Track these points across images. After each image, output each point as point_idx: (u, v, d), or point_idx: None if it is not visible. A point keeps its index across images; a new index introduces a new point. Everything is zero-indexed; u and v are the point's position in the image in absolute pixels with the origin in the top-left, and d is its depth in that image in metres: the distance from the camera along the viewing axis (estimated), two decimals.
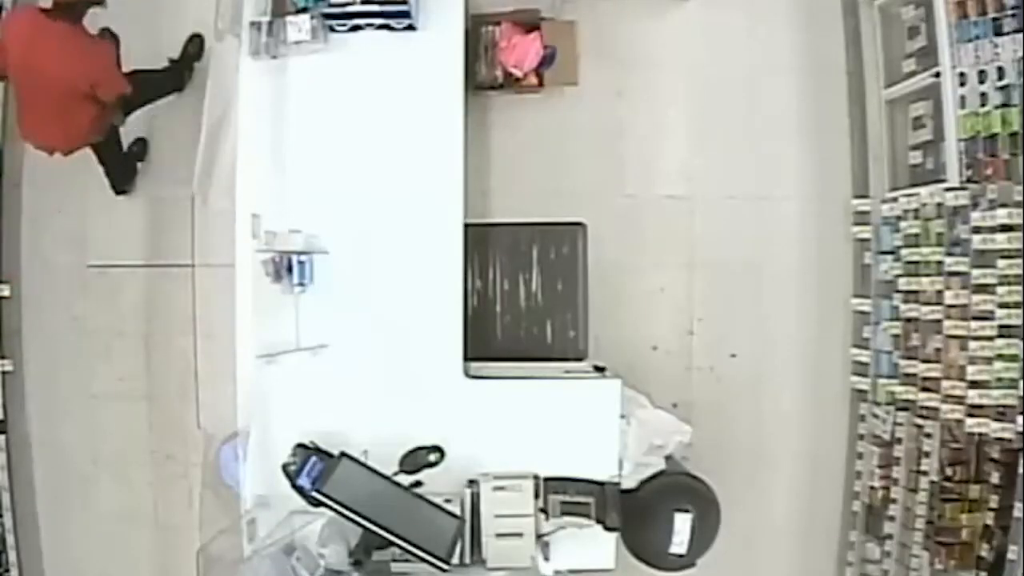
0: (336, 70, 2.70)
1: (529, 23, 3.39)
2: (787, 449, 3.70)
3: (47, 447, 3.65)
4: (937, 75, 3.11)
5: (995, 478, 2.99)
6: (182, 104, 3.56)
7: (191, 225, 3.60)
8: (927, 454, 3.19)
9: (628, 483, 2.71)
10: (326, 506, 2.32)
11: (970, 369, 2.96)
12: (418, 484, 2.57)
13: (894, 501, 3.34)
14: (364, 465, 2.44)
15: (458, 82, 2.73)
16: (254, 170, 2.69)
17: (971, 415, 2.95)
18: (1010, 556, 2.84)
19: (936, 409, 3.08)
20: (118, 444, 3.64)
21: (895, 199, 3.38)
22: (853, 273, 3.65)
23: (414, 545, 2.31)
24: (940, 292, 3.08)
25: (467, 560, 2.60)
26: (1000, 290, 2.88)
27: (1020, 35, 2.89)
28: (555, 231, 3.12)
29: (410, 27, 2.68)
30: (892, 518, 3.34)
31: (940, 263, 3.10)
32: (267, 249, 2.62)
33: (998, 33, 2.95)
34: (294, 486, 2.40)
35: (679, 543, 2.66)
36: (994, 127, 2.97)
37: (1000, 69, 2.95)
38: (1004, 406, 2.89)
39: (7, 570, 3.48)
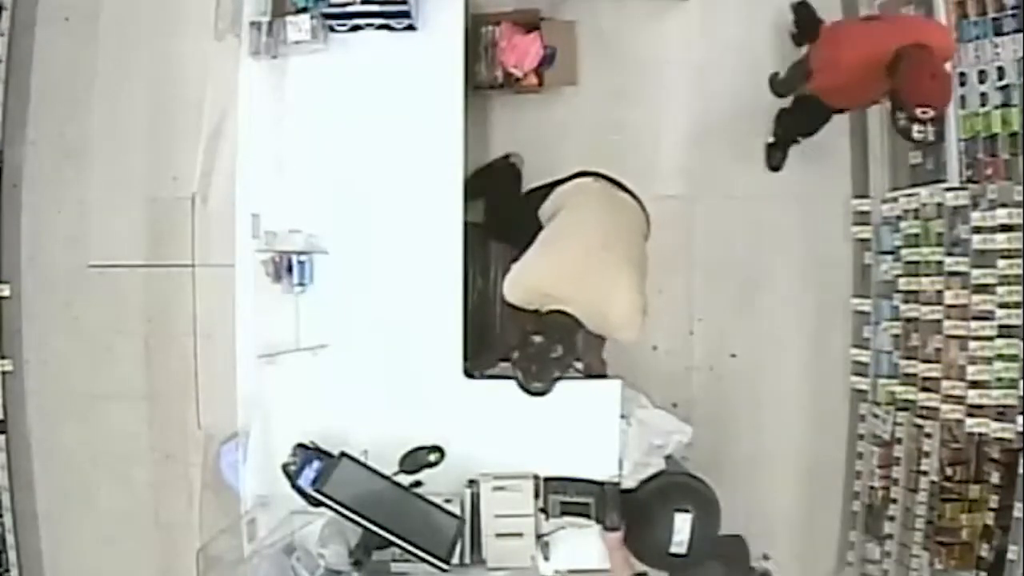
0: (336, 70, 2.70)
1: (529, 23, 3.39)
2: (787, 449, 3.69)
3: (47, 447, 3.64)
4: None
5: (995, 478, 2.99)
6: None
7: (191, 225, 3.60)
8: (927, 454, 3.19)
9: (628, 483, 2.71)
10: (326, 506, 2.32)
11: (970, 369, 2.96)
12: (418, 484, 2.56)
13: (894, 501, 3.34)
14: (364, 465, 2.44)
15: (458, 82, 2.73)
16: (254, 170, 2.69)
17: (971, 415, 2.96)
18: (1010, 556, 2.85)
19: (936, 409, 3.08)
20: (118, 444, 3.64)
21: (895, 199, 3.39)
22: (853, 273, 3.65)
23: (414, 545, 2.31)
24: (940, 292, 3.09)
25: (467, 560, 2.60)
26: (1000, 290, 2.88)
27: (1020, 35, 2.89)
28: None
29: (410, 27, 2.68)
30: (892, 518, 3.35)
31: (940, 263, 3.10)
32: (267, 249, 2.63)
33: (998, 33, 2.95)
34: (294, 486, 2.40)
35: (679, 543, 2.66)
36: (994, 127, 2.97)
37: (1000, 69, 2.95)
38: (1004, 406, 2.90)
39: (7, 570, 3.48)
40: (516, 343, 2.37)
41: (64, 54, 3.62)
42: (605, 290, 2.40)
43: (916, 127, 2.57)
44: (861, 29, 3.03)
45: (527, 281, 2.46)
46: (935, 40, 2.69)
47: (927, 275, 3.16)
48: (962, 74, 3.03)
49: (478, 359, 2.83)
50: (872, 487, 3.45)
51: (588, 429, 2.69)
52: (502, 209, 3.21)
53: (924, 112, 2.55)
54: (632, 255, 2.51)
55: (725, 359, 3.71)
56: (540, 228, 2.60)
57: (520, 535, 2.60)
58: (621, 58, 3.66)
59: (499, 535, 2.59)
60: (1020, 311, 2.85)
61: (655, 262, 2.58)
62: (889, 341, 3.39)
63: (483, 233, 3.16)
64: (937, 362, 3.10)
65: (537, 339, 2.34)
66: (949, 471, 3.10)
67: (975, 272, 2.96)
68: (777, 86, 3.54)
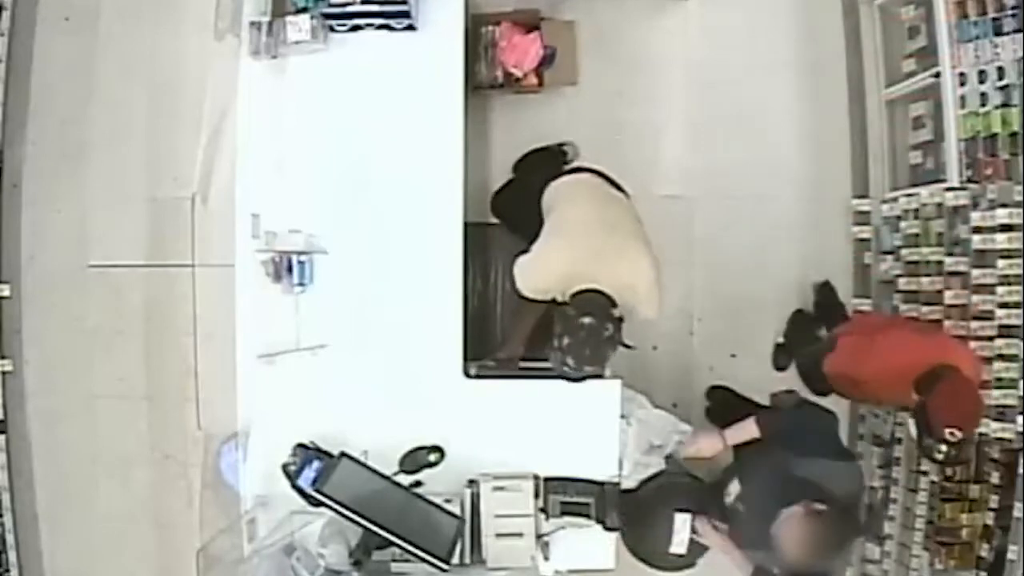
0: (336, 70, 2.70)
1: (529, 23, 3.39)
2: None
3: (47, 447, 3.64)
4: (937, 75, 3.11)
5: (995, 478, 2.99)
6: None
7: (191, 225, 3.60)
8: None
9: (628, 483, 2.71)
10: (326, 506, 2.32)
11: None
12: (418, 484, 2.57)
13: (894, 501, 3.34)
14: (364, 465, 2.44)
15: (458, 82, 2.73)
16: (254, 170, 2.69)
17: None
18: (1010, 556, 2.84)
19: None
20: (118, 444, 3.64)
21: (895, 199, 3.39)
22: (853, 273, 3.65)
23: (414, 545, 2.31)
24: (940, 292, 3.08)
25: (467, 560, 2.60)
26: (1000, 290, 2.88)
27: (1020, 35, 2.89)
28: None
29: (410, 27, 2.68)
30: (892, 518, 3.34)
31: (940, 263, 3.10)
32: (267, 249, 2.63)
33: (998, 33, 2.95)
34: (294, 486, 2.40)
35: (679, 543, 2.66)
36: (994, 127, 2.97)
37: (1000, 69, 2.95)
38: (1004, 406, 2.89)
39: (7, 570, 3.48)
40: (563, 329, 2.30)
41: (64, 54, 3.62)
42: (624, 264, 2.38)
43: (940, 448, 2.55)
44: (899, 332, 2.99)
45: (547, 267, 2.41)
46: (967, 366, 2.64)
47: (927, 275, 3.16)
48: (962, 74, 3.03)
49: (498, 359, 2.83)
50: (872, 487, 3.45)
51: (588, 429, 2.69)
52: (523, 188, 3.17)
53: (953, 434, 2.50)
54: (637, 233, 2.50)
55: (725, 359, 3.71)
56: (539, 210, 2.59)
57: (520, 535, 2.59)
58: (621, 58, 3.66)
59: (499, 535, 2.59)
60: (1020, 311, 2.85)
61: None
62: None
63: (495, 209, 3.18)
64: None
65: (587, 320, 2.27)
66: (949, 471, 3.10)
67: (975, 272, 2.95)
68: (781, 359, 3.58)
